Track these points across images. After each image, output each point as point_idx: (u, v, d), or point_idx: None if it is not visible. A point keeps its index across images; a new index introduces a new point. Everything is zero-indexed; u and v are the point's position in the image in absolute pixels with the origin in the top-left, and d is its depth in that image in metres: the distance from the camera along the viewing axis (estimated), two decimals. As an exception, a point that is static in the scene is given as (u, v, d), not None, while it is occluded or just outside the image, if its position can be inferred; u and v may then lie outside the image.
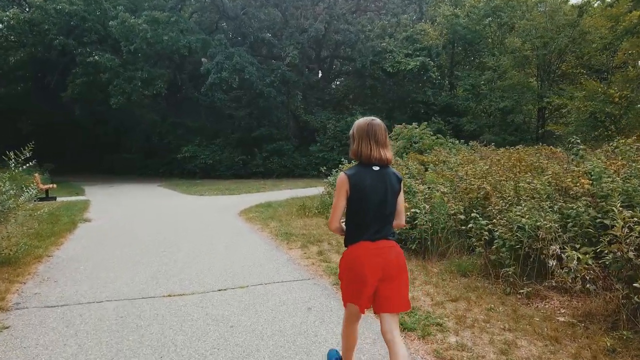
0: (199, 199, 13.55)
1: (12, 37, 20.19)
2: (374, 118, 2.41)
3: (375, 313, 2.43)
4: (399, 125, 12.70)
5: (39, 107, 25.61)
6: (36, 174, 13.95)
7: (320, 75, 27.15)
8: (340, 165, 10.86)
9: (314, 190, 15.68)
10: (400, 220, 2.47)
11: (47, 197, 13.50)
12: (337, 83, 29.23)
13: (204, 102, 26.80)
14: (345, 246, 2.43)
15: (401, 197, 2.43)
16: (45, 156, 29.71)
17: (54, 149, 30.30)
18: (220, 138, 25.31)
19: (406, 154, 11.28)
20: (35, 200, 12.88)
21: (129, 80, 21.25)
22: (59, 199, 13.90)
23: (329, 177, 10.97)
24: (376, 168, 2.33)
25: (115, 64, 20.81)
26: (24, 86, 24.95)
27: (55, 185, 15.06)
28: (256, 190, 16.16)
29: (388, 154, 2.35)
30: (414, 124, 12.44)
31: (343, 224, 2.48)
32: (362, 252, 2.31)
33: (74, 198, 13.96)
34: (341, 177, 2.35)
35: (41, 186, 13.45)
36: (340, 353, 2.72)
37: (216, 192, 15.36)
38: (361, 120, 2.41)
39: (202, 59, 22.41)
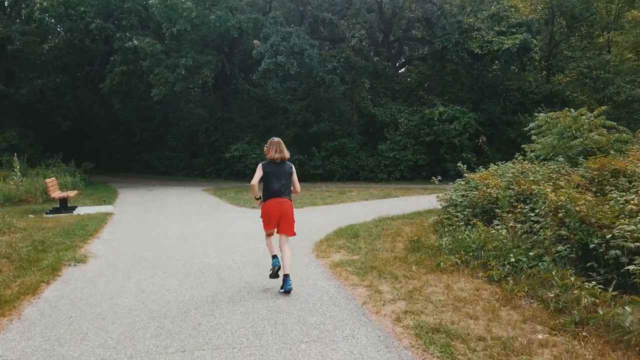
0: (250, 214, 10.13)
1: (46, 20, 17.93)
2: (275, 137, 4.99)
3: (277, 234, 4.66)
4: (542, 115, 8.59)
5: (78, 101, 23.58)
6: (48, 180, 11.13)
7: (388, 61, 23.17)
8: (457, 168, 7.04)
9: (399, 203, 11.86)
10: (296, 189, 4.78)
11: (62, 207, 10.63)
12: (406, 70, 25.09)
13: (255, 95, 23.66)
14: (263, 202, 4.65)
15: (294, 176, 4.72)
16: (83, 154, 28.03)
17: (93, 146, 28.56)
18: (272, 135, 22.01)
19: (569, 156, 7.20)
20: (46, 213, 9.94)
21: (172, 69, 18.39)
22: (80, 209, 11.03)
23: (451, 184, 7.20)
24: (277, 162, 4.64)
25: (156, 50, 18.02)
26: (62, 78, 22.91)
27: (76, 192, 12.25)
28: (322, 201, 12.56)
29: (285, 155, 4.69)
30: (567, 110, 8.28)
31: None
32: (269, 204, 4.58)
33: (97, 209, 11.04)
34: (258, 165, 4.68)
35: (54, 194, 10.57)
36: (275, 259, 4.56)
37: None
38: (272, 139, 4.89)
39: (255, 42, 19.15)
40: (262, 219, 4.69)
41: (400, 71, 25.14)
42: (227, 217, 9.92)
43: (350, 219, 8.80)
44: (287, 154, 4.68)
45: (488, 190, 6.26)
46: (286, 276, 4.38)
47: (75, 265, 5.58)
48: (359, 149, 20.15)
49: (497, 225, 5.52)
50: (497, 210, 5.89)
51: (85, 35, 19.85)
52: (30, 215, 9.94)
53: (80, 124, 26.00)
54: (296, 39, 18.04)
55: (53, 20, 18.61)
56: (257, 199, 4.72)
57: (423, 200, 11.94)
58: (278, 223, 4.58)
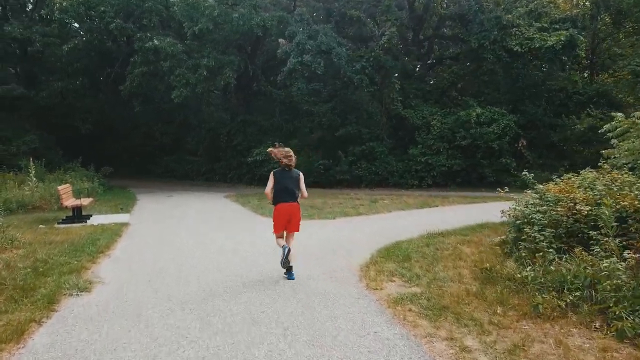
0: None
1: (66, 21, 17.43)
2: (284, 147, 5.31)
3: (285, 231, 5.21)
4: (620, 115, 7.34)
5: (98, 103, 23.12)
6: (60, 187, 10.36)
7: (418, 60, 21.94)
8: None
9: (441, 214, 10.48)
10: (303, 194, 5.25)
11: (76, 216, 9.84)
12: (437, 70, 23.79)
13: (278, 97, 22.78)
14: (273, 205, 5.19)
15: (301, 182, 5.20)
16: (103, 158, 27.62)
17: (113, 149, 28.16)
18: (296, 139, 21.08)
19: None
20: (58, 222, 9.10)
21: (193, 70, 17.62)
22: (95, 218, 10.25)
23: (527, 192, 6.06)
24: (287, 169, 5.14)
25: (177, 50, 17.29)
26: (82, 80, 22.46)
27: (91, 200, 11.46)
28: (354, 211, 11.47)
29: (293, 163, 5.18)
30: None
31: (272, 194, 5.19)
32: (280, 208, 5.08)
33: (112, 218, 10.22)
34: (271, 174, 5.21)
35: (67, 202, 9.79)
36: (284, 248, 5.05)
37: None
38: (283, 148, 5.28)
39: (280, 40, 18.26)
40: (273, 221, 5.23)
41: (430, 71, 23.88)
42: (254, 231, 8.93)
43: (393, 234, 7.68)
44: (293, 162, 5.18)
45: (577, 206, 5.07)
46: (290, 268, 5.13)
47: (77, 295, 4.63)
48: (388, 154, 18.99)
49: (600, 252, 4.33)
50: (591, 232, 4.71)
51: (106, 35, 19.35)
52: (41, 226, 9.15)
53: (100, 126, 25.60)
54: (323, 37, 17.06)
55: (73, 20, 18.10)
56: (272, 204, 5.27)
57: (469, 212, 10.76)
58: (287, 223, 5.13)
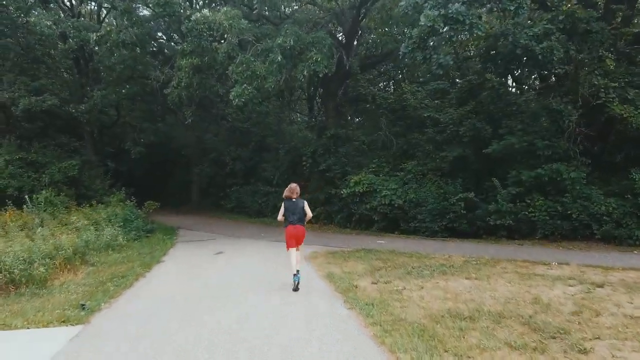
0: None
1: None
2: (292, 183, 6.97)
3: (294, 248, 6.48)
4: None
5: (152, 120, 18.26)
6: None
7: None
8: None
9: None
10: (307, 217, 6.73)
11: None
12: None
13: (384, 102, 15.86)
14: (284, 227, 6.69)
15: (306, 208, 6.69)
16: (165, 189, 22.83)
17: (181, 178, 23.42)
18: (414, 159, 13.92)
19: None
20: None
21: (263, 55, 11.60)
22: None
23: None
24: (293, 199, 6.65)
25: (238, 26, 11.36)
26: (129, 89, 17.66)
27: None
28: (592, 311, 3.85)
29: (295, 194, 6.69)
30: None
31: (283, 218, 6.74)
32: (289, 230, 6.60)
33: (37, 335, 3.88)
34: (283, 203, 6.76)
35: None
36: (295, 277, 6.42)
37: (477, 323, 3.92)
38: (290, 185, 6.84)
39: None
40: (285, 240, 6.64)
41: None
42: None
43: None
44: (296, 194, 6.72)
45: None
46: (297, 272, 6.38)
47: None
48: (586, 182, 10.88)
49: None
50: None
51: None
52: None
53: (160, 150, 20.91)
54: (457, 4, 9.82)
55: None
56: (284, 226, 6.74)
57: None
58: (293, 241, 6.57)
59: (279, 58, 11.08)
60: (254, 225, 15.64)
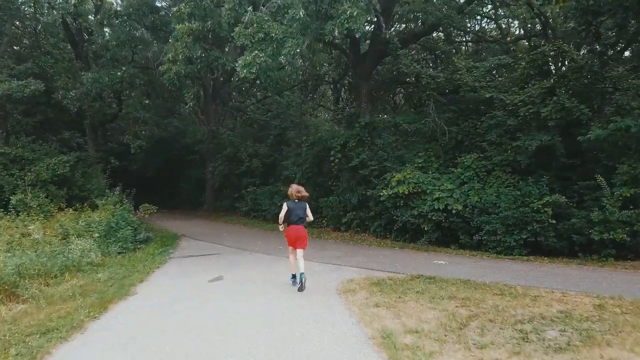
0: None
1: None
2: (293, 184, 6.71)
3: (295, 249, 6.21)
4: None
5: (155, 113, 15.80)
6: None
7: None
8: None
9: None
10: (309, 218, 6.38)
11: None
12: None
13: (431, 80, 12.74)
14: (287, 228, 6.34)
15: (308, 211, 6.37)
16: (163, 188, 20.31)
17: (194, 176, 20.99)
18: (474, 153, 10.78)
19: None
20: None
21: (280, 14, 8.77)
22: None
23: None
24: (296, 200, 6.34)
25: None
26: (125, 71, 15.10)
27: None
28: None
29: (302, 194, 6.37)
30: None
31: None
32: (290, 230, 6.27)
33: None
34: (284, 204, 6.36)
35: None
36: (292, 272, 6.50)
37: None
38: (292, 186, 6.58)
39: None
40: (286, 239, 6.39)
41: None
42: None
43: None
44: (303, 194, 6.44)
45: None
46: (302, 273, 6.09)
47: None
48: None
49: None
50: None
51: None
52: None
53: (170, 147, 18.43)
54: None
55: None
56: (281, 225, 6.42)
57: None
58: (296, 242, 6.25)
59: (300, 13, 8.20)
60: (270, 234, 12.82)
